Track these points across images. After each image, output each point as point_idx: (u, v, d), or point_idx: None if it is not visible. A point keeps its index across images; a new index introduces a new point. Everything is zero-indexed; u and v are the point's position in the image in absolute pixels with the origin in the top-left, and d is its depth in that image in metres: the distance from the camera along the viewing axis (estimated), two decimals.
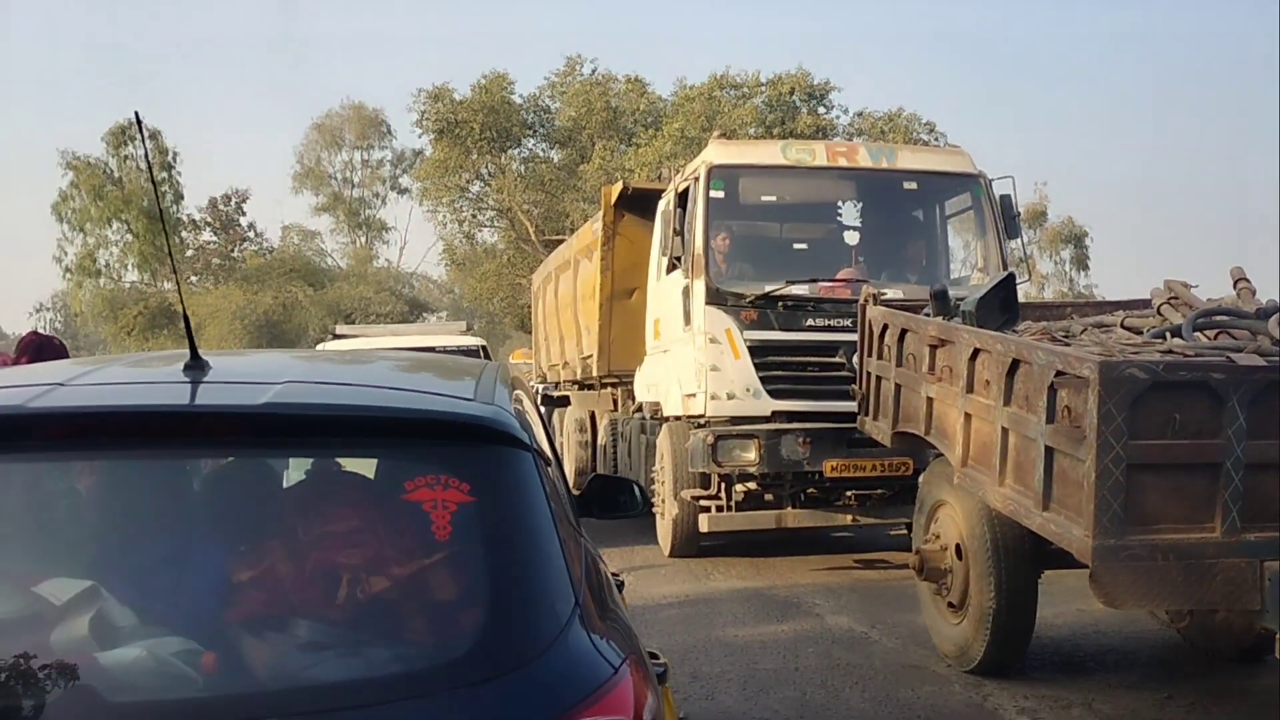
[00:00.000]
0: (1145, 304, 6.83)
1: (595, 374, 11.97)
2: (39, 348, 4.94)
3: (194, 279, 44.45)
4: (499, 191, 33.96)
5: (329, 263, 49.99)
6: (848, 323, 8.33)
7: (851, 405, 7.53)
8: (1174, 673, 5.72)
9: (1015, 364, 4.98)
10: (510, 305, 35.24)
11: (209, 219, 44.95)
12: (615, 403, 12.49)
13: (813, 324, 8.50)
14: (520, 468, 2.16)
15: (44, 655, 1.86)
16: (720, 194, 8.68)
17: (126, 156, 39.31)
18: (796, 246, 9.39)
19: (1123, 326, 5.93)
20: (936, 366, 5.91)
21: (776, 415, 8.46)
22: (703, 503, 8.71)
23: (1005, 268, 9.01)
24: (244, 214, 45.42)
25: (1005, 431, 5.05)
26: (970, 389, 5.44)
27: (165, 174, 39.38)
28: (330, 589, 2.07)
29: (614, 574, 2.84)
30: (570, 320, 13.25)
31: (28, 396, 2.13)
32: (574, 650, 1.97)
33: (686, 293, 8.71)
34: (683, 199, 8.88)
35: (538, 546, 2.08)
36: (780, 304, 8.48)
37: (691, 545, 9.18)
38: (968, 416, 5.46)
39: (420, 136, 35.35)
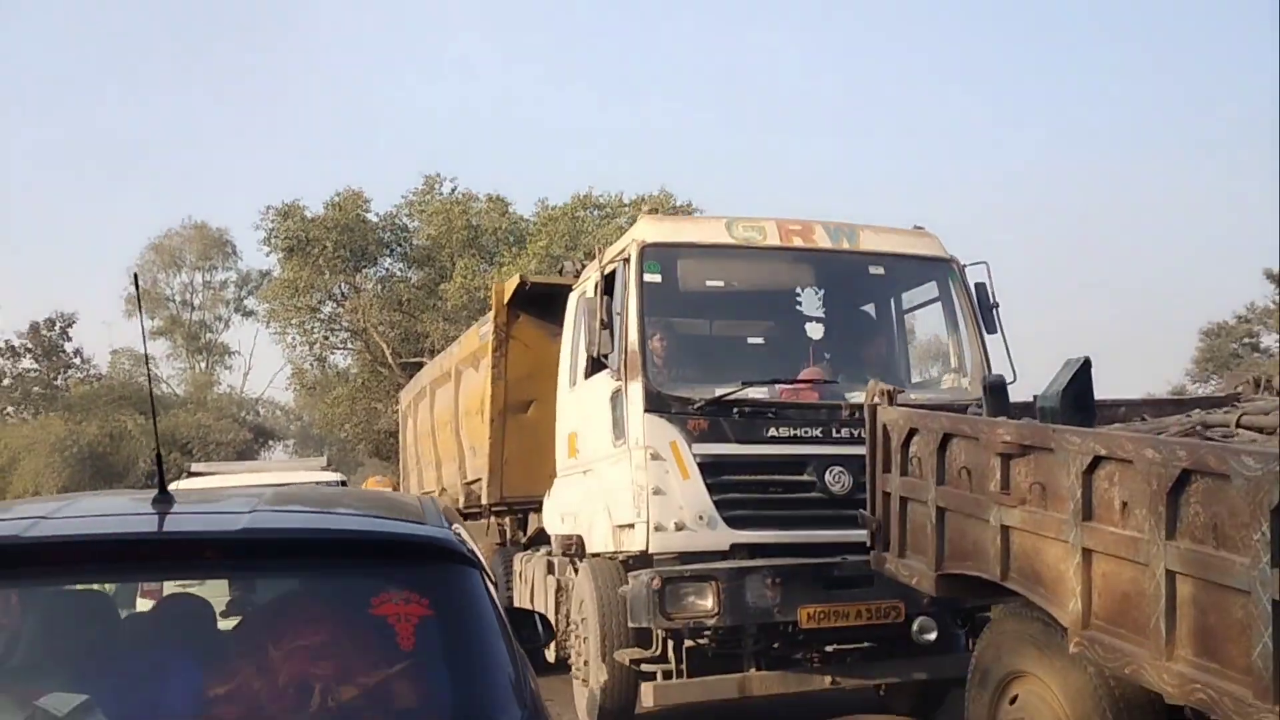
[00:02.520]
0: (1219, 401, 5.55)
1: (484, 501, 10.04)
2: None
3: (9, 410, 40.63)
4: (353, 312, 32.13)
5: (164, 389, 46.33)
6: (816, 432, 6.86)
7: (829, 533, 6.28)
8: None
9: (1186, 477, 3.40)
10: (365, 431, 33.02)
11: (29, 344, 41.22)
12: (503, 534, 10.61)
13: (775, 434, 6.85)
14: (472, 584, 2.54)
15: None
16: (656, 278, 7.04)
17: None
18: (751, 341, 7.78)
19: (1239, 425, 4.47)
20: (1012, 483, 4.31)
21: (736, 549, 6.71)
22: (644, 667, 6.80)
23: (986, 367, 7.65)
24: (69, 339, 42.03)
25: (1171, 577, 3.43)
26: (1088, 515, 3.83)
27: None
28: (303, 699, 2.36)
29: None
30: (450, 440, 11.36)
31: (19, 528, 2.45)
32: None
33: (617, 398, 6.96)
34: (609, 285, 7.21)
35: (491, 656, 2.43)
36: (735, 410, 6.82)
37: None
38: (1088, 554, 3.83)
39: (268, 255, 33.37)
